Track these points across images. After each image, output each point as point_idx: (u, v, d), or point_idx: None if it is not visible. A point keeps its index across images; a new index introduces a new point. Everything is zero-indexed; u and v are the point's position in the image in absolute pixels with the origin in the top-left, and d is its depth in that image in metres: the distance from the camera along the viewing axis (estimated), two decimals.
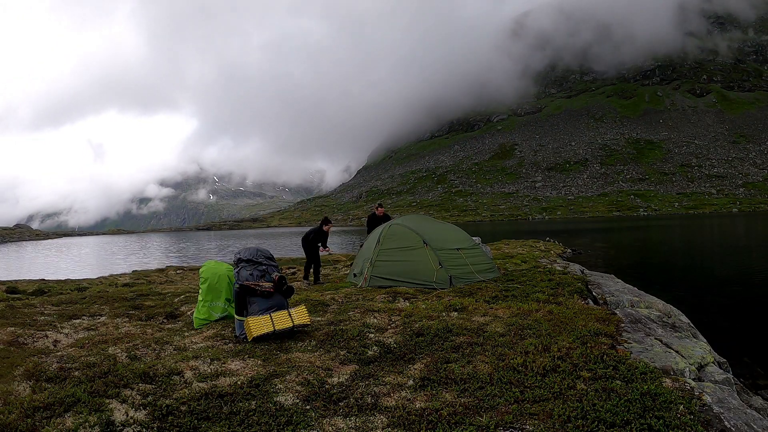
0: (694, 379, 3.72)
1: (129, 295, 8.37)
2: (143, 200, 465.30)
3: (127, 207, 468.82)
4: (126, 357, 4.36)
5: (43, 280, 14.03)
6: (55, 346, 4.93)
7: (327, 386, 3.65)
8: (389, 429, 2.96)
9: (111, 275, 16.10)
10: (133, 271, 17.96)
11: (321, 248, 10.62)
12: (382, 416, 3.13)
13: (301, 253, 27.17)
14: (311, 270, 10.77)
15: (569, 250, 20.66)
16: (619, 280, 8.48)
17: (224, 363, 4.15)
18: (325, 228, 10.68)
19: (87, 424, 2.90)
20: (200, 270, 6.20)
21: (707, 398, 3.19)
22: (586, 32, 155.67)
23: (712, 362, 4.19)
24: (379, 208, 11.48)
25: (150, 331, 5.65)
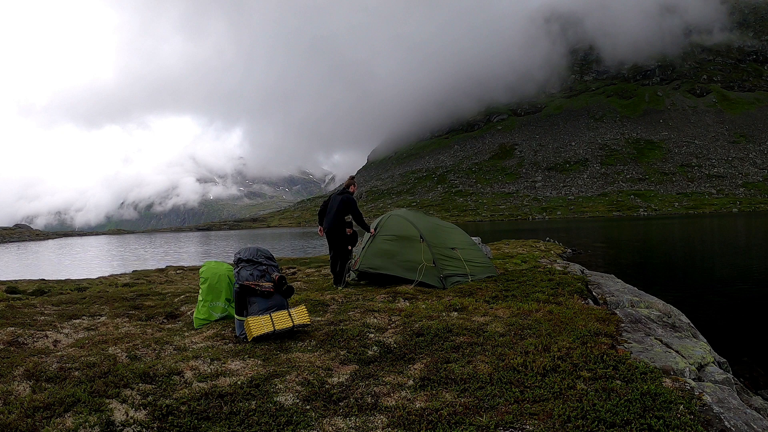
0: (694, 379, 3.72)
1: (129, 295, 8.37)
2: (154, 200, 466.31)
3: (131, 207, 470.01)
4: (126, 357, 4.36)
5: (43, 280, 14.03)
6: (55, 346, 4.93)
7: (327, 386, 3.65)
8: (389, 429, 2.96)
9: (111, 275, 16.11)
10: (133, 271, 17.97)
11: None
12: (382, 416, 3.13)
13: (299, 253, 27.17)
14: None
15: (569, 250, 20.66)
16: (619, 280, 8.47)
17: (224, 363, 4.15)
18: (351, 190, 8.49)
19: (87, 424, 2.90)
20: (200, 270, 6.20)
21: (707, 398, 3.19)
22: (586, 31, 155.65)
23: (712, 362, 4.19)
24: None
25: (150, 331, 5.65)
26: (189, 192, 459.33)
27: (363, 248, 8.36)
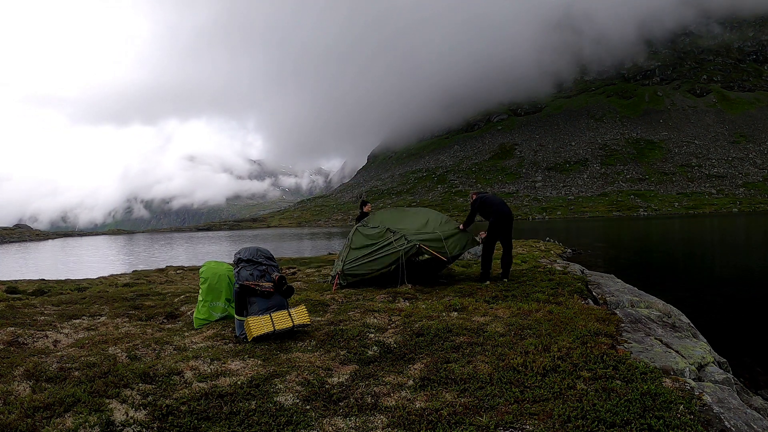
0: (694, 379, 3.72)
1: (129, 295, 8.37)
2: (164, 198, 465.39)
3: (141, 206, 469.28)
4: (126, 357, 4.36)
5: (43, 280, 14.02)
6: (55, 346, 4.93)
7: (327, 386, 3.65)
8: (389, 429, 2.96)
9: (111, 275, 16.10)
10: (133, 271, 17.96)
11: None
12: (382, 416, 3.13)
13: (299, 253, 27.14)
14: None
15: (569, 250, 20.65)
16: (619, 280, 8.48)
17: (224, 363, 4.15)
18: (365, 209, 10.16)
19: (87, 424, 2.91)
20: (200, 270, 6.20)
21: (707, 398, 3.19)
22: (586, 31, 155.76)
23: (712, 362, 4.19)
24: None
25: (150, 331, 5.65)
26: (209, 190, 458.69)
27: (342, 260, 8.38)
